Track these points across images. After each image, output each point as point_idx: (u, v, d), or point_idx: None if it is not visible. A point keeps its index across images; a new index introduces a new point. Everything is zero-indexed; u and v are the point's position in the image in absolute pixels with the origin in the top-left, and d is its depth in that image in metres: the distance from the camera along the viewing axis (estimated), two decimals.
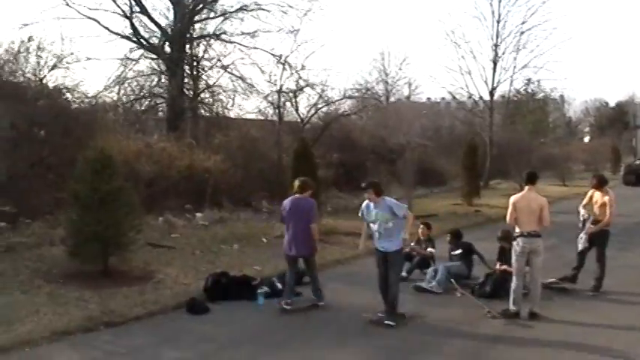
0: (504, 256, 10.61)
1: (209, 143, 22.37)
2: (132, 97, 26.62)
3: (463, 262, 11.53)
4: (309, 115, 26.53)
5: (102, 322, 8.87)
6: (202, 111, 27.72)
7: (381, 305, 9.09)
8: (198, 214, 18.02)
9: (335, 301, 10.08)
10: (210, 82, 27.73)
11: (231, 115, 27.58)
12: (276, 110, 25.82)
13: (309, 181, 10.22)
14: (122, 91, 26.23)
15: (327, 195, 21.59)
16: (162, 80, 26.89)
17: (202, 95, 27.83)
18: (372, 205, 9.06)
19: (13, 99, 16.08)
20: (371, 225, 9.14)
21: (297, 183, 10.02)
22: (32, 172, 16.08)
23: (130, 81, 26.35)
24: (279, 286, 10.53)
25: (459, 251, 11.71)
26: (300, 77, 25.45)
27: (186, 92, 27.08)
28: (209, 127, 25.99)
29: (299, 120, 26.21)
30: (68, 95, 19.43)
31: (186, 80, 27.11)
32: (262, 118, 27.73)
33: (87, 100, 20.83)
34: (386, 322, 8.80)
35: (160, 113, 28.55)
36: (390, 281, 8.94)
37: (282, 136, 24.48)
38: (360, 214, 9.37)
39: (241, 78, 26.79)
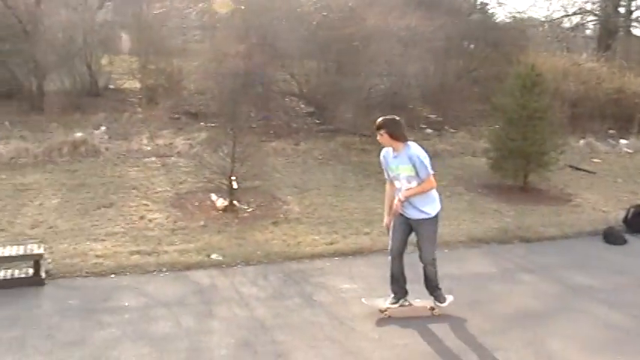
0: None
1: None
2: (561, 14, 25.76)
3: None
4: None
5: (516, 236, 9.07)
6: (637, 30, 25.59)
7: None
8: (623, 141, 16.97)
9: None
10: None
11: None
12: None
13: None
14: (551, 7, 25.55)
15: None
16: None
17: (637, 13, 25.61)
18: (391, 153, 6.12)
19: (448, 12, 16.82)
20: (395, 183, 6.21)
21: None
22: (459, 83, 16.79)
23: None
24: None
25: None
26: None
27: (620, 10, 25.20)
28: None
29: None
30: (499, 10, 19.68)
31: None
32: None
33: (516, 16, 20.83)
34: (437, 304, 6.35)
35: (588, 31, 27.17)
36: (423, 260, 6.21)
37: None
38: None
39: None
